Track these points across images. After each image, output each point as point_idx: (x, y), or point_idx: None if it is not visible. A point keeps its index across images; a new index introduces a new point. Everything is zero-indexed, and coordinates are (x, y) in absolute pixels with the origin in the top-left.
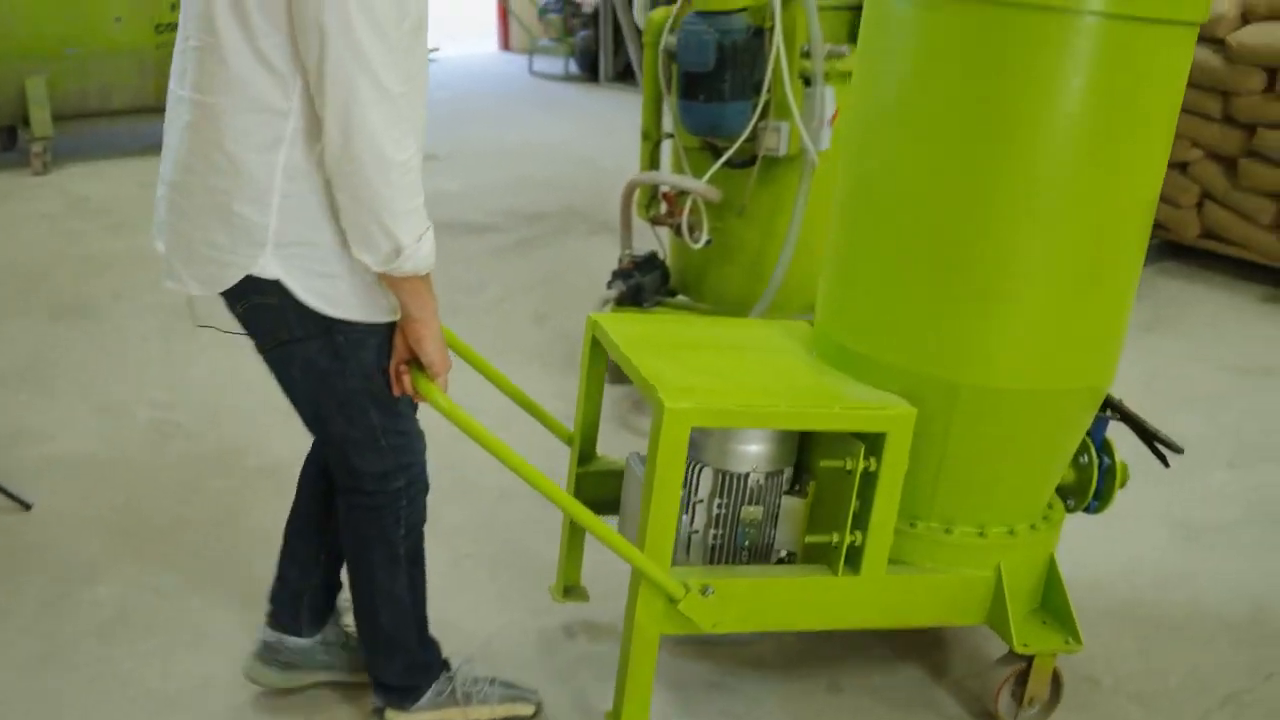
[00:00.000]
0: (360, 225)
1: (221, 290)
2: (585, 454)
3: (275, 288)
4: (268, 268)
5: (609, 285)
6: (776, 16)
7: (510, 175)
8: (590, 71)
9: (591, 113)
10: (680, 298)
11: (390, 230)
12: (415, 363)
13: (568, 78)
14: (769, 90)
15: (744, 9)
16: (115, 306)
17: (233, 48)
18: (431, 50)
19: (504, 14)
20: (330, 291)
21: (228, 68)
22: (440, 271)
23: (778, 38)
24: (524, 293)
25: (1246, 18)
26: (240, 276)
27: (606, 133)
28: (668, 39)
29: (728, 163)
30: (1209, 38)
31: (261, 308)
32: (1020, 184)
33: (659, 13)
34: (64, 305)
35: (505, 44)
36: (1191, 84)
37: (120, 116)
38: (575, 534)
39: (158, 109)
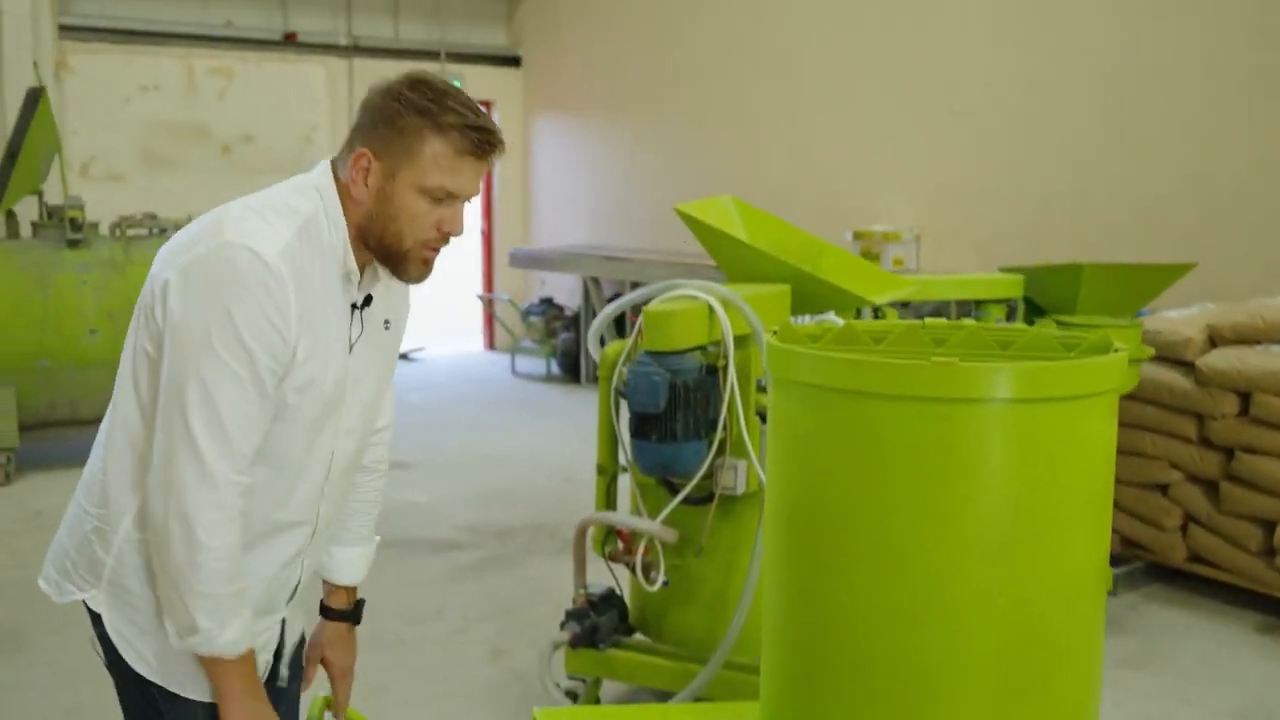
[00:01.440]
0: (164, 593)
1: (63, 601)
2: None
3: (99, 621)
4: (97, 600)
5: (562, 626)
6: (729, 354)
7: (481, 486)
8: (571, 373)
9: (570, 416)
10: (639, 637)
11: (189, 607)
12: None
13: (549, 379)
14: (724, 428)
15: (696, 348)
16: (49, 640)
17: (123, 389)
18: (416, 349)
19: (489, 315)
20: (141, 646)
21: (118, 407)
22: (395, 598)
23: (731, 375)
24: (481, 623)
25: (1214, 341)
26: (78, 598)
27: (583, 440)
28: (621, 371)
29: (685, 499)
30: (1178, 360)
31: (99, 635)
32: (936, 581)
33: (613, 347)
34: None
35: (490, 343)
36: (1165, 406)
37: (88, 425)
38: None
39: None
